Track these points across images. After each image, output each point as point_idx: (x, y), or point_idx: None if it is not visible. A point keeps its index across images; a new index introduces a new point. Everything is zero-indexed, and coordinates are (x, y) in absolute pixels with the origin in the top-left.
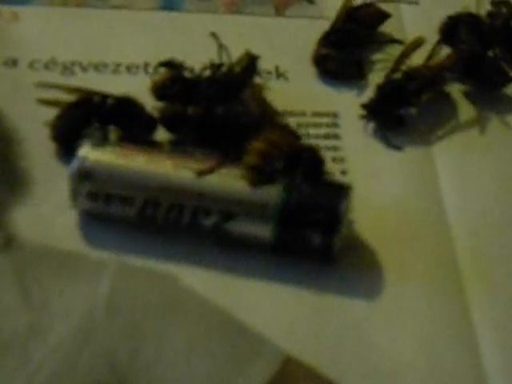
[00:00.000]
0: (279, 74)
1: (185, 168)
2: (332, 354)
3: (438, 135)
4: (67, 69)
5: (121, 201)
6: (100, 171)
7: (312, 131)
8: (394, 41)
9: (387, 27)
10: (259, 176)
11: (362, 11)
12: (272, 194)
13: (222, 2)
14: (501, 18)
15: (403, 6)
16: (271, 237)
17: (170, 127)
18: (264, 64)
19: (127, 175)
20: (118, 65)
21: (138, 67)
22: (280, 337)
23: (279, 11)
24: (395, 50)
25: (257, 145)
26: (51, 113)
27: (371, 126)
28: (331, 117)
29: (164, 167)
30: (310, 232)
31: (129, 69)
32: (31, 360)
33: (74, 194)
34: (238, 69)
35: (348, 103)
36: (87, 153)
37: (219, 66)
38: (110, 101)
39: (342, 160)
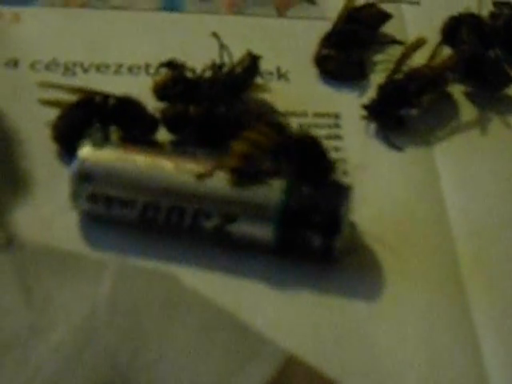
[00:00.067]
0: (280, 75)
1: (186, 170)
2: (333, 354)
3: (439, 136)
4: (68, 70)
5: (121, 203)
6: (100, 172)
7: (313, 132)
8: (395, 41)
9: (389, 28)
10: (241, 177)
11: (364, 12)
12: (272, 195)
13: (224, 2)
14: (502, 18)
15: (405, 7)
16: (272, 238)
17: (171, 127)
18: (265, 65)
19: (128, 177)
20: (120, 65)
21: (139, 68)
22: (281, 337)
23: (280, 12)
24: (397, 51)
25: (237, 146)
26: (52, 113)
27: (373, 126)
28: (333, 118)
29: (165, 169)
30: (310, 233)
31: (130, 69)
32: (32, 360)
33: (75, 196)
34: (239, 69)
35: (349, 104)
36: (88, 154)
37: (220, 66)
38: (111, 101)
39: (343, 161)
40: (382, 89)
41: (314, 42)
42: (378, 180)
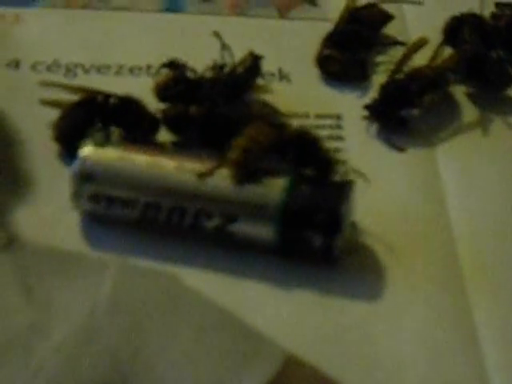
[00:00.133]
0: (282, 76)
1: (187, 169)
2: (334, 354)
3: (440, 137)
4: (70, 71)
5: (122, 202)
6: (101, 172)
7: (315, 133)
8: (397, 42)
9: (390, 28)
10: (242, 172)
11: (365, 12)
12: (273, 194)
13: (225, 3)
14: (504, 19)
15: (406, 7)
16: (273, 238)
17: (172, 128)
18: (267, 66)
19: (129, 176)
20: (121, 67)
21: (140, 69)
22: (281, 337)
23: (282, 13)
24: (398, 52)
25: (238, 142)
26: (54, 114)
27: (374, 127)
28: (334, 119)
29: (166, 168)
30: (311, 233)
31: (132, 71)
32: (33, 360)
33: (76, 195)
34: (241, 69)
35: (351, 105)
36: (89, 153)
37: (222, 66)
38: (112, 101)
39: (345, 162)
40: (383, 89)
41: (316, 43)
42: (379, 181)
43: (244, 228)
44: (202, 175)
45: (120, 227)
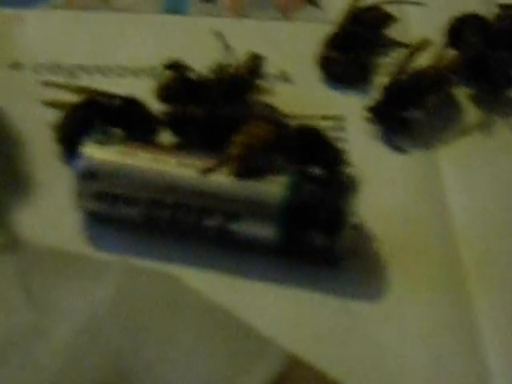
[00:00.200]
0: (284, 78)
1: (189, 167)
2: (335, 354)
3: (442, 138)
4: (72, 72)
5: (125, 201)
6: (104, 170)
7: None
8: (399, 44)
9: (393, 30)
10: (243, 167)
11: (368, 14)
12: (275, 192)
13: (227, 5)
14: (507, 20)
15: (409, 8)
16: (275, 236)
17: (174, 129)
18: (269, 68)
19: (132, 174)
20: (123, 68)
21: (142, 70)
22: (283, 338)
23: (285, 15)
24: (401, 53)
25: (239, 137)
26: (55, 115)
27: (377, 129)
28: (337, 120)
29: (168, 166)
30: (313, 231)
31: (133, 72)
32: (35, 360)
33: (79, 194)
34: (242, 70)
35: (354, 106)
36: (92, 152)
37: (224, 67)
38: (114, 102)
39: (347, 163)
40: (386, 90)
41: (318, 45)
42: (381, 182)
43: (246, 226)
44: (204, 171)
45: (122, 227)
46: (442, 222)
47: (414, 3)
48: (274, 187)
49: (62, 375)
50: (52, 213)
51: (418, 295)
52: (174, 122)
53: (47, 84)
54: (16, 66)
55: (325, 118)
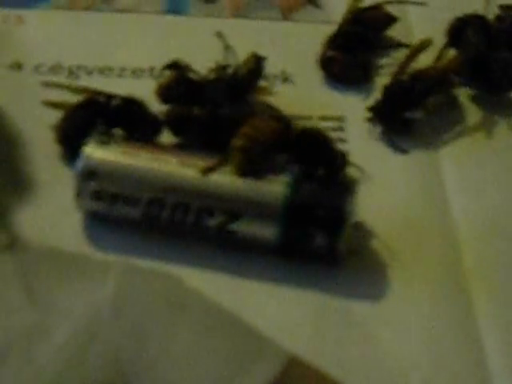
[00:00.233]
0: (285, 78)
1: (190, 166)
2: (336, 354)
3: (444, 139)
4: (72, 72)
5: (125, 200)
6: (105, 170)
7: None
8: (400, 44)
9: (394, 30)
10: (246, 159)
11: (369, 14)
12: (277, 191)
13: (228, 5)
14: (508, 21)
15: (410, 9)
16: (276, 236)
17: (175, 129)
18: (270, 68)
19: (132, 174)
20: (124, 69)
21: (143, 71)
22: (284, 338)
23: (285, 15)
24: (402, 54)
25: (243, 129)
26: (56, 116)
27: (377, 129)
28: (337, 120)
29: (169, 165)
30: (314, 231)
31: (134, 72)
32: (35, 360)
33: (79, 194)
34: (243, 71)
35: (354, 107)
36: (92, 151)
37: (225, 67)
38: (115, 102)
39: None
40: (387, 90)
41: (319, 45)
42: (382, 182)
43: (246, 226)
44: (205, 171)
45: (122, 227)
46: (442, 222)
47: (414, 3)
48: (274, 187)
49: (63, 375)
50: (52, 213)
51: (418, 295)
52: (174, 122)
53: (48, 84)
54: (16, 66)
55: (325, 118)
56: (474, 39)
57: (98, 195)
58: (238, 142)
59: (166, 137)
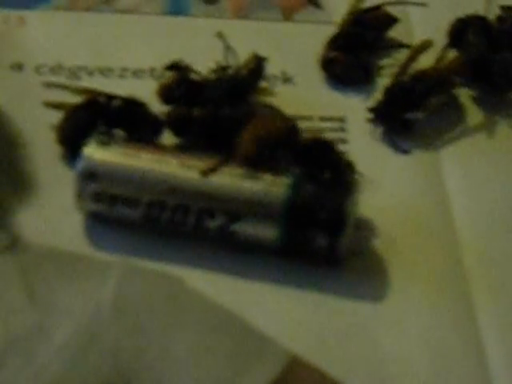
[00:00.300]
0: (286, 79)
1: (191, 168)
2: (337, 355)
3: (445, 139)
4: (73, 73)
5: (126, 201)
6: (105, 171)
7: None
8: (401, 45)
9: (395, 31)
10: (253, 163)
11: (370, 15)
12: (278, 192)
13: (229, 6)
14: (509, 21)
15: (411, 9)
16: (277, 236)
17: (176, 130)
18: (271, 69)
19: (132, 175)
20: (125, 69)
21: (144, 72)
22: (285, 337)
23: (287, 16)
24: (403, 55)
25: (252, 126)
26: (57, 116)
27: (378, 130)
28: (338, 121)
29: (170, 167)
30: (315, 232)
31: (135, 73)
32: (36, 360)
33: (79, 195)
34: (244, 71)
35: (355, 108)
36: (92, 152)
37: (226, 68)
38: (115, 103)
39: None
40: (388, 91)
41: (320, 46)
42: (383, 183)
43: (247, 227)
44: (205, 172)
45: (123, 228)
46: (444, 222)
47: (415, 4)
48: (275, 188)
49: (63, 375)
50: (53, 213)
51: (419, 295)
52: (175, 123)
53: (49, 85)
54: (17, 66)
55: (326, 118)
56: (474, 40)
57: (98, 196)
58: (247, 134)
59: (167, 137)
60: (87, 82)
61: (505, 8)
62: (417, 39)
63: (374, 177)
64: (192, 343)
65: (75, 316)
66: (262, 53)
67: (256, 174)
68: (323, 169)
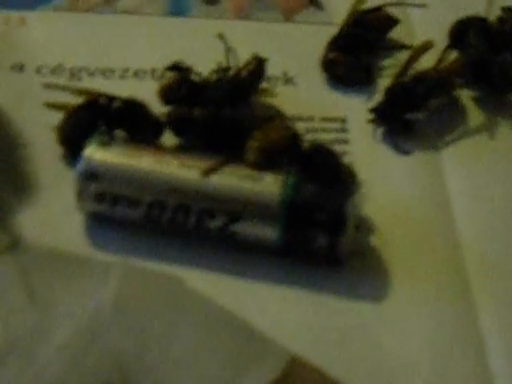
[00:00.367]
0: (287, 80)
1: (191, 168)
2: (338, 355)
3: (446, 140)
4: (74, 74)
5: (127, 202)
6: (106, 171)
7: (320, 136)
8: (402, 46)
9: (396, 32)
10: (262, 158)
11: (371, 16)
12: (278, 192)
13: (230, 7)
14: (510, 23)
15: (412, 11)
16: (278, 236)
17: (176, 130)
18: (272, 69)
19: (133, 175)
20: (125, 70)
21: (145, 72)
22: (286, 338)
23: (288, 17)
24: (404, 56)
25: (258, 134)
26: (57, 117)
27: (379, 131)
28: (339, 122)
29: (170, 167)
30: (315, 232)
31: (136, 74)
32: (37, 360)
33: (80, 195)
34: (245, 72)
35: (356, 108)
36: (93, 153)
37: (226, 69)
38: (116, 103)
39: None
40: (389, 92)
41: (321, 47)
42: (384, 184)
43: (248, 227)
44: (206, 173)
45: (124, 228)
46: (444, 223)
47: (416, 5)
48: (275, 188)
49: (64, 376)
50: (54, 214)
51: (419, 296)
52: (176, 124)
53: (49, 86)
54: (18, 67)
55: (327, 119)
56: (475, 41)
57: (99, 197)
58: (254, 143)
59: (168, 138)
60: (88, 83)
61: (505, 9)
62: (417, 40)
63: (374, 177)
64: (192, 343)
65: (75, 316)
66: (263, 54)
67: (256, 174)
68: (325, 177)
